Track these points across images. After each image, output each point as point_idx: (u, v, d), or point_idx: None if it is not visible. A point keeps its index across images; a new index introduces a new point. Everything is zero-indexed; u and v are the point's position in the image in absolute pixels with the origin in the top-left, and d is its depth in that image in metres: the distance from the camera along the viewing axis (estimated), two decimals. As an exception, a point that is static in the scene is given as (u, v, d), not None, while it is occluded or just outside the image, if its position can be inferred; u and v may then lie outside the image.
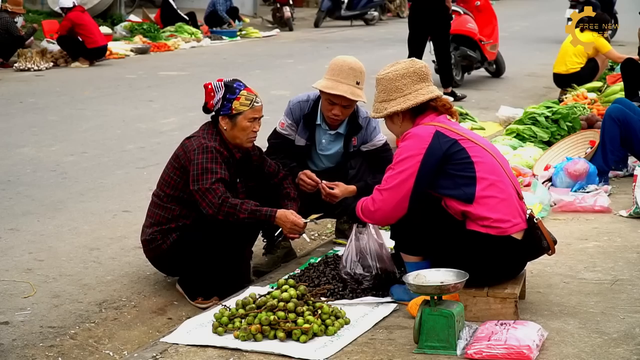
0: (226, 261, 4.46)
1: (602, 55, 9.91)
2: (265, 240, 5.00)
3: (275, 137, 5.05)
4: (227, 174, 4.36)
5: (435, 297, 3.52)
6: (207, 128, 4.50)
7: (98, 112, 9.80)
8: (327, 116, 4.88)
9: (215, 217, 4.29)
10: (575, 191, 5.96)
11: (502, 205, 3.81)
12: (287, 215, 4.38)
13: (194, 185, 4.30)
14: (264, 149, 5.10)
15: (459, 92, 11.03)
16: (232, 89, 4.42)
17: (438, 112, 3.95)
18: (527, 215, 3.93)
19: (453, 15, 11.10)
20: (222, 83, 4.44)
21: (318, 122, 4.97)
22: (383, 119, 4.09)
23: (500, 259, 3.82)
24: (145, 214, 4.60)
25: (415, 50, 10.81)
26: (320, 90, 4.84)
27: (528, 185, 6.04)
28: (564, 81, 9.91)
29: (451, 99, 9.96)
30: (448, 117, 3.98)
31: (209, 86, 4.43)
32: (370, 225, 4.23)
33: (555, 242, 3.97)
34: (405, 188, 3.83)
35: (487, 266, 3.80)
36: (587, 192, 5.91)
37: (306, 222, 4.43)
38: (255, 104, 4.45)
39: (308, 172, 4.90)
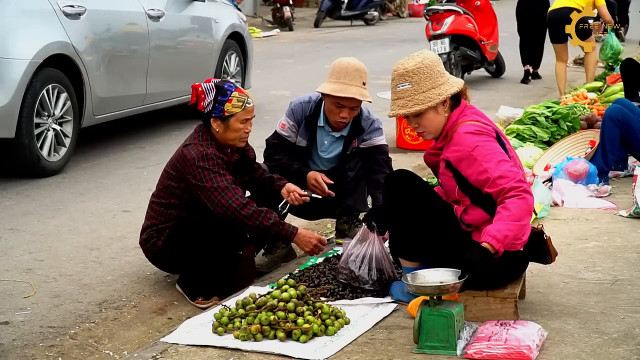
0: (221, 251, 4.41)
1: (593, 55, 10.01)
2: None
3: (274, 138, 5.04)
4: (231, 178, 4.36)
5: (435, 297, 3.52)
6: (201, 133, 4.45)
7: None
8: (334, 120, 4.84)
9: (225, 216, 4.26)
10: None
11: None
12: (311, 233, 4.44)
13: (207, 183, 4.26)
14: (262, 149, 5.10)
15: None
16: (223, 90, 4.35)
17: (465, 99, 3.90)
18: (537, 230, 3.91)
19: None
20: (213, 84, 4.36)
21: (321, 124, 4.95)
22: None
23: (503, 269, 3.80)
24: (145, 215, 4.60)
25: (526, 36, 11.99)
26: (324, 94, 4.81)
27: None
28: (562, 18, 9.80)
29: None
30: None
31: (199, 88, 4.35)
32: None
33: (556, 254, 4.00)
34: (509, 161, 3.73)
35: (488, 274, 3.79)
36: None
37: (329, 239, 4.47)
38: (247, 105, 4.40)
39: (319, 177, 4.86)
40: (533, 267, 4.29)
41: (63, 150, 7.05)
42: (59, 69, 6.91)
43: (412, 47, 15.96)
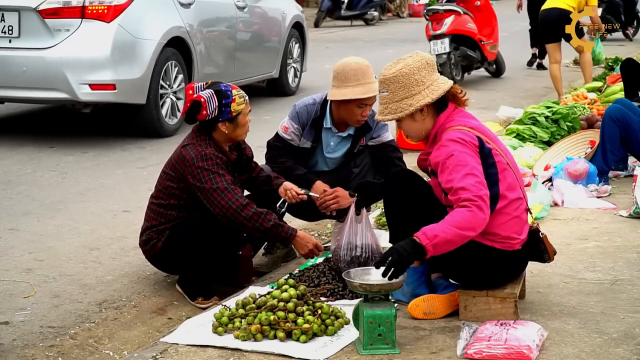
0: (221, 251, 4.41)
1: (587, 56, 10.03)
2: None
3: (276, 140, 5.02)
4: (230, 178, 4.36)
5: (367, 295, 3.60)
6: (199, 133, 4.44)
7: (98, 111, 9.77)
8: (357, 120, 4.80)
9: (225, 218, 4.25)
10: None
11: (512, 222, 3.79)
12: (309, 237, 4.42)
13: (206, 184, 4.26)
14: (262, 149, 5.09)
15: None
16: (223, 93, 4.34)
17: (456, 102, 3.89)
18: (533, 228, 3.93)
19: None
20: (211, 91, 4.35)
21: (327, 125, 4.94)
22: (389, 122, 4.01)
23: (501, 269, 3.83)
24: (144, 216, 4.59)
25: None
26: (343, 100, 4.75)
27: (528, 185, 6.05)
28: (551, 19, 9.77)
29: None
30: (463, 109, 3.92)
31: (202, 99, 4.33)
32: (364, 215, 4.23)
33: (555, 252, 3.99)
34: (481, 175, 3.68)
35: (486, 274, 3.80)
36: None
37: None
38: (245, 97, 4.46)
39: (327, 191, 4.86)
40: (533, 267, 4.29)
41: (178, 115, 8.58)
42: (175, 48, 8.51)
43: (412, 47, 15.92)
